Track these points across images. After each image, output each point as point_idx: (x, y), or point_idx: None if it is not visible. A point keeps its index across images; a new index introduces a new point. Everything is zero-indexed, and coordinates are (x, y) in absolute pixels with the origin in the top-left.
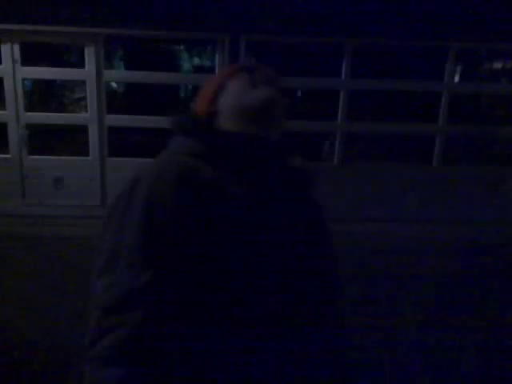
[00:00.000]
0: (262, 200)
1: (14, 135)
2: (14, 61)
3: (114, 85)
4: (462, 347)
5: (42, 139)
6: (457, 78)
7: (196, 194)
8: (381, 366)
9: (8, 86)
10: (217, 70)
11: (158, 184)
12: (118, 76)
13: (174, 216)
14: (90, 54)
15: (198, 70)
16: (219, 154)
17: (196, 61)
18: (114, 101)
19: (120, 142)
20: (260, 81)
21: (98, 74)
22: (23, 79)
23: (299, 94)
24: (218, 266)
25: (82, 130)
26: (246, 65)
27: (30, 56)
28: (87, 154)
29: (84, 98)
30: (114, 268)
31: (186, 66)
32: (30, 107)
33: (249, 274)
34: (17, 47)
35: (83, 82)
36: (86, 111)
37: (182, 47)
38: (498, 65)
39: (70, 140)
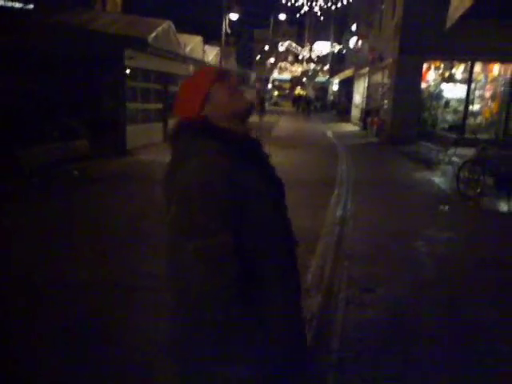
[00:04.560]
0: (272, 175)
1: None
2: None
3: None
4: None
5: None
6: None
7: (249, 178)
8: None
9: None
10: None
11: (227, 173)
12: None
13: (246, 191)
14: None
15: None
16: (240, 148)
17: None
18: None
19: None
20: (236, 84)
21: None
22: None
23: None
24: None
25: None
26: (220, 71)
27: None
28: None
29: None
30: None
31: None
32: None
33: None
34: None
35: None
36: None
37: None
38: None
39: None
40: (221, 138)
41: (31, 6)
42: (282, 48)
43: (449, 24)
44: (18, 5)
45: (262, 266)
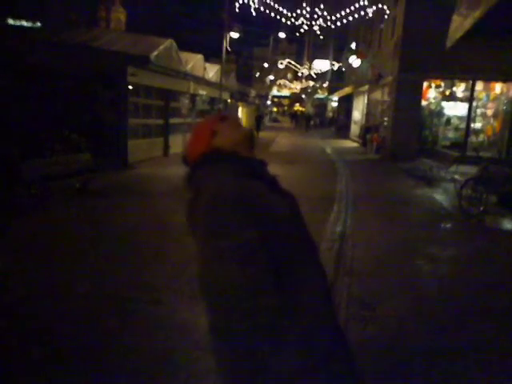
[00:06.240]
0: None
1: None
2: None
3: None
4: None
5: None
6: None
7: (272, 197)
8: None
9: None
10: None
11: (241, 181)
12: None
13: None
14: None
15: None
16: (254, 170)
17: None
18: None
19: None
20: (236, 122)
21: None
22: None
23: None
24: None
25: None
26: (220, 116)
27: None
28: None
29: None
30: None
31: None
32: None
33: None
34: None
35: None
36: None
37: None
38: None
39: None
40: (230, 160)
41: (38, 24)
42: (281, 66)
43: (449, 44)
44: (26, 23)
45: (287, 263)
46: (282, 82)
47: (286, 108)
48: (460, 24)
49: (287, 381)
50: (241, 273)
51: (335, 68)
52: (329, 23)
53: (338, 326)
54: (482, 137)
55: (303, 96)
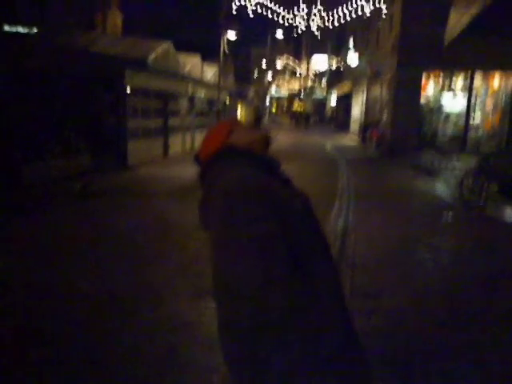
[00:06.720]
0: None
1: None
2: None
3: None
4: None
5: None
6: None
7: (286, 191)
8: None
9: None
10: None
11: (259, 174)
12: None
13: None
14: None
15: None
16: (269, 167)
17: None
18: None
19: None
20: (249, 126)
21: None
22: None
23: None
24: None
25: None
26: (235, 118)
27: None
28: None
29: None
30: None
31: None
32: None
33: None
34: None
35: None
36: None
37: None
38: None
39: None
40: (246, 156)
41: (35, 30)
42: (279, 63)
43: (447, 42)
44: (22, 29)
45: (303, 258)
46: (280, 80)
47: (285, 107)
48: (457, 21)
49: (291, 380)
50: (257, 265)
51: (333, 65)
52: (326, 23)
53: (349, 325)
54: (481, 131)
55: (302, 94)
